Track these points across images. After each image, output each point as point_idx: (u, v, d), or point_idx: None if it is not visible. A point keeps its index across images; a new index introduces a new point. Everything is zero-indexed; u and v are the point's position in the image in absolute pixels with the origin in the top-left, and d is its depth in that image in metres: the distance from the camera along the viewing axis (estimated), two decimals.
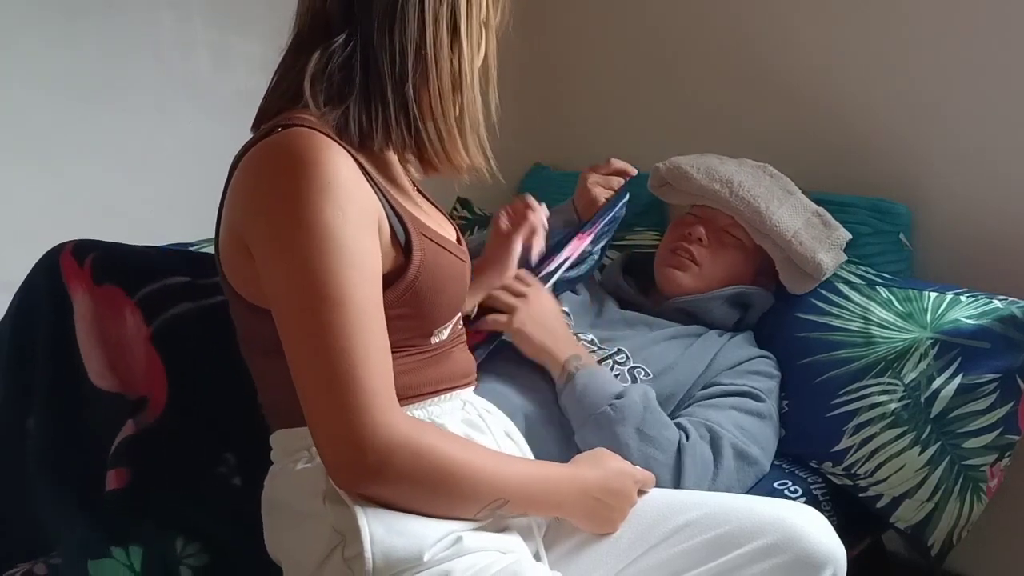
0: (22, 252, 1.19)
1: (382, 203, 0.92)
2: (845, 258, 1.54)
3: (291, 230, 0.85)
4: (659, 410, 1.29)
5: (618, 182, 1.53)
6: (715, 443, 1.29)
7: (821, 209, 1.56)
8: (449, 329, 1.03)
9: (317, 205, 0.84)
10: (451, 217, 2.16)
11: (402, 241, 0.93)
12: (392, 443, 0.85)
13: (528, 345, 1.34)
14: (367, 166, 0.93)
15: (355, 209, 0.87)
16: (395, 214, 0.94)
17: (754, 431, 1.33)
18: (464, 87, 0.97)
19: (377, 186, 0.93)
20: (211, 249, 1.76)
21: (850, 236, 1.54)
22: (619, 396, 1.27)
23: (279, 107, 0.95)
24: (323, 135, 0.89)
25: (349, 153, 0.90)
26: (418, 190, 1.09)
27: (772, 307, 1.57)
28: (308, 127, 0.89)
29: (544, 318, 1.35)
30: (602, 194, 1.50)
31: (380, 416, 0.84)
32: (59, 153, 1.67)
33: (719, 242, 1.56)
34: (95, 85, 1.69)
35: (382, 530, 0.87)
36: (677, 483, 1.23)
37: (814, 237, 1.51)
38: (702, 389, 1.39)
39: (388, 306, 0.89)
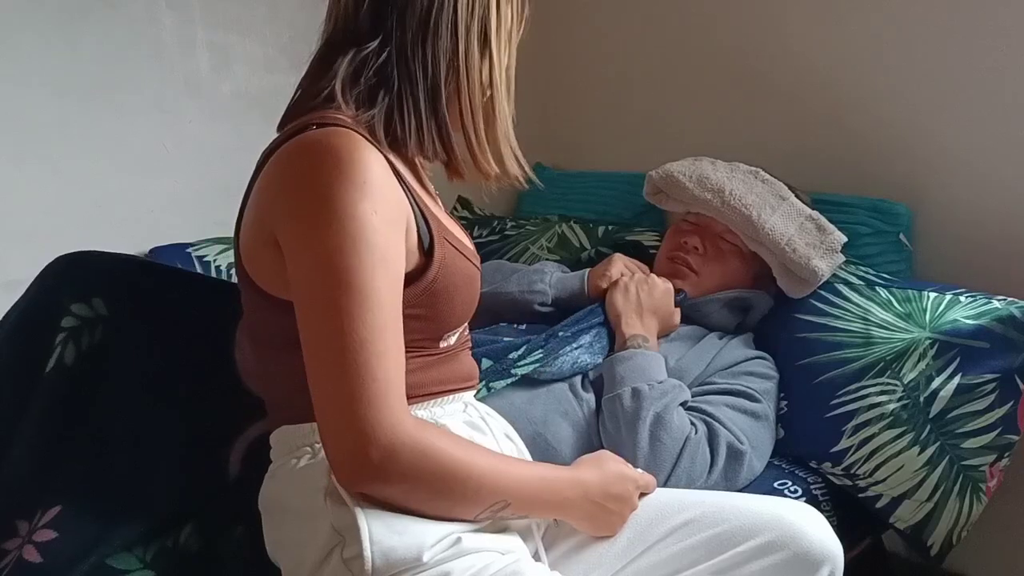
0: (22, 252, 1.19)
1: (411, 205, 0.94)
2: (843, 259, 1.54)
3: (325, 223, 0.86)
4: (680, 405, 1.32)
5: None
6: (712, 441, 1.29)
7: (815, 213, 1.55)
8: (457, 335, 1.03)
9: (353, 201, 0.86)
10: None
11: (426, 243, 0.94)
12: (397, 440, 0.85)
13: (613, 303, 1.44)
14: (399, 167, 0.95)
15: (387, 209, 0.88)
16: (422, 216, 0.95)
17: (748, 430, 1.33)
18: (494, 97, 1.00)
19: (407, 187, 0.94)
20: (210, 249, 1.77)
21: (845, 239, 1.54)
22: (660, 382, 1.32)
23: (309, 108, 0.96)
24: (357, 135, 0.90)
25: (382, 154, 0.91)
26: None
27: (772, 308, 1.57)
28: (344, 126, 0.91)
29: (644, 298, 1.44)
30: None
31: (389, 412, 0.85)
32: (59, 153, 1.67)
33: (716, 249, 1.57)
34: (95, 85, 1.70)
35: (382, 530, 0.87)
36: (670, 473, 1.25)
37: (808, 243, 1.51)
38: (698, 386, 1.40)
39: (404, 305, 0.90)
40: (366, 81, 0.95)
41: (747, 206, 1.52)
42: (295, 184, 0.89)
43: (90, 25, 1.68)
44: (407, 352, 0.91)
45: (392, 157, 0.94)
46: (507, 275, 1.58)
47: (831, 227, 1.53)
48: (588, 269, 1.56)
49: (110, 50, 1.71)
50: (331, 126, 0.90)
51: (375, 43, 0.95)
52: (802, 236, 1.51)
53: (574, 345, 1.39)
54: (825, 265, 1.50)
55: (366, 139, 0.91)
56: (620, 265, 1.53)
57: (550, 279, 1.54)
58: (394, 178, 0.92)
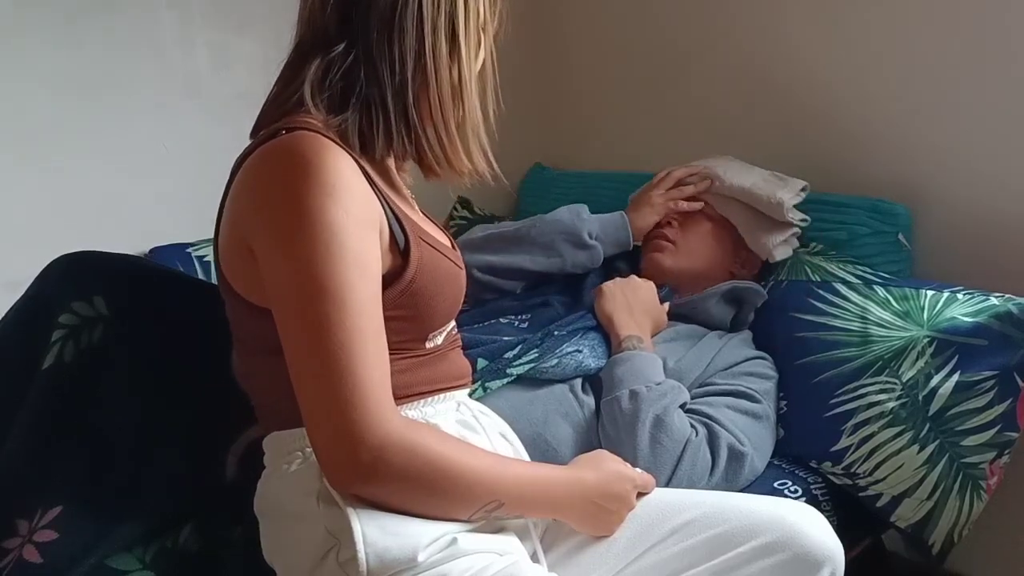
0: (22, 252, 1.19)
1: (383, 207, 0.93)
2: (803, 216, 1.61)
3: (296, 228, 0.86)
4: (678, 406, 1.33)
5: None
6: (713, 443, 1.29)
7: (777, 172, 1.65)
8: (444, 335, 1.03)
9: (323, 205, 0.85)
10: (451, 217, 2.18)
11: (401, 245, 0.94)
12: (387, 440, 0.85)
13: (603, 308, 1.45)
14: (369, 170, 0.94)
15: (358, 211, 0.88)
16: (395, 218, 0.95)
17: (749, 431, 1.34)
18: (464, 94, 0.99)
19: (378, 190, 0.94)
20: (210, 249, 1.76)
21: (806, 183, 1.63)
22: (658, 383, 1.32)
23: (280, 114, 0.96)
24: (327, 139, 0.90)
25: (352, 157, 0.91)
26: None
27: (770, 307, 1.57)
28: (312, 130, 0.90)
29: (632, 299, 1.46)
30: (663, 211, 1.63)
31: (376, 413, 0.85)
32: (59, 153, 1.67)
33: (688, 218, 1.64)
34: (95, 85, 1.70)
35: (376, 531, 0.87)
36: (671, 475, 1.25)
37: (770, 184, 1.61)
38: (698, 388, 1.40)
39: (385, 307, 0.90)
40: (334, 84, 0.94)
41: (713, 167, 1.64)
42: (265, 191, 0.89)
43: (90, 25, 1.68)
44: (393, 354, 0.91)
45: (363, 160, 0.94)
46: (543, 217, 1.61)
47: (791, 178, 1.64)
48: (622, 212, 1.63)
49: (110, 50, 1.71)
50: (300, 130, 0.90)
51: (342, 46, 0.94)
52: (766, 182, 1.61)
53: (572, 345, 1.39)
54: (788, 197, 1.58)
55: (335, 143, 0.90)
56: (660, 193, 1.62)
57: (587, 213, 1.59)
58: (364, 181, 0.91)
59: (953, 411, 1.31)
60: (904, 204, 1.63)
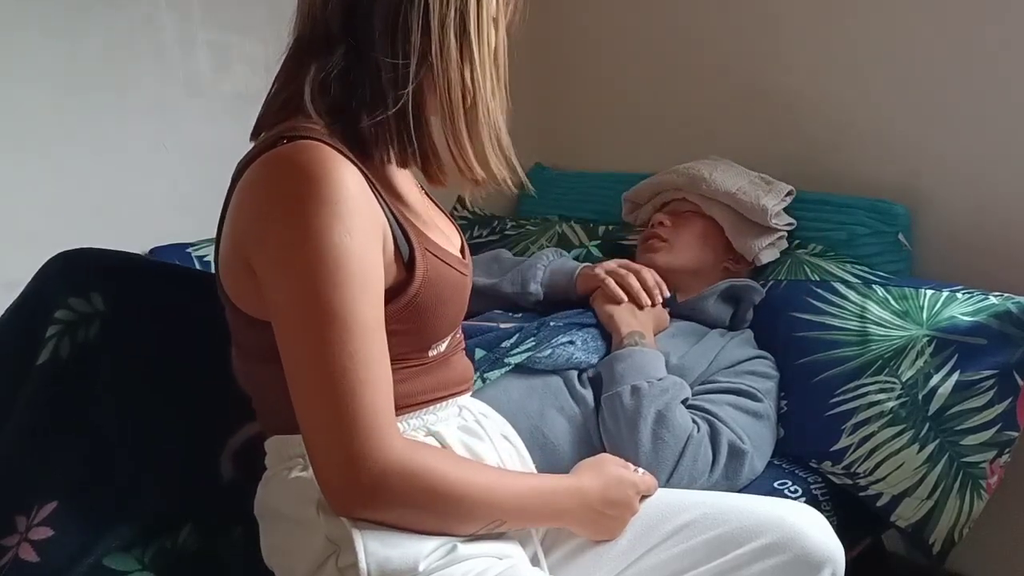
0: (22, 252, 1.18)
1: (387, 217, 0.90)
2: (789, 220, 1.63)
3: (298, 247, 0.83)
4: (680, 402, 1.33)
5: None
6: (714, 439, 1.30)
7: (765, 175, 1.66)
8: (447, 342, 1.01)
9: (325, 222, 0.82)
10: (452, 216, 2.16)
11: (405, 257, 0.92)
12: (387, 467, 0.83)
13: (604, 307, 1.45)
14: (373, 178, 0.90)
15: (362, 225, 0.85)
16: (400, 228, 0.92)
17: (749, 430, 1.34)
18: (476, 96, 0.92)
19: (383, 199, 0.91)
20: (210, 249, 1.77)
21: (791, 187, 1.64)
22: (660, 379, 1.32)
23: (280, 117, 0.92)
24: (330, 147, 0.86)
25: (355, 165, 0.88)
26: (426, 193, 1.08)
27: (770, 307, 1.57)
28: (314, 139, 0.86)
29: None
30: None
31: (377, 439, 0.83)
32: (60, 153, 1.67)
33: (679, 217, 1.65)
34: (95, 85, 1.70)
35: (376, 541, 0.86)
36: (672, 471, 1.25)
37: (756, 188, 1.62)
38: (700, 385, 1.41)
39: (387, 321, 0.88)
40: (334, 87, 0.90)
41: (698, 169, 1.65)
42: (268, 208, 0.86)
43: (90, 25, 1.68)
44: (395, 364, 0.88)
45: (367, 167, 0.90)
46: (505, 269, 1.60)
47: (777, 182, 1.65)
48: (582, 265, 1.57)
49: (110, 50, 1.71)
50: (302, 139, 0.86)
51: (343, 46, 0.90)
52: (751, 187, 1.62)
53: (567, 336, 1.39)
54: (772, 203, 1.59)
55: (338, 151, 0.87)
56: (612, 264, 1.54)
57: (544, 276, 1.56)
58: (369, 191, 0.88)
59: (953, 410, 1.31)
60: (904, 204, 1.63)
